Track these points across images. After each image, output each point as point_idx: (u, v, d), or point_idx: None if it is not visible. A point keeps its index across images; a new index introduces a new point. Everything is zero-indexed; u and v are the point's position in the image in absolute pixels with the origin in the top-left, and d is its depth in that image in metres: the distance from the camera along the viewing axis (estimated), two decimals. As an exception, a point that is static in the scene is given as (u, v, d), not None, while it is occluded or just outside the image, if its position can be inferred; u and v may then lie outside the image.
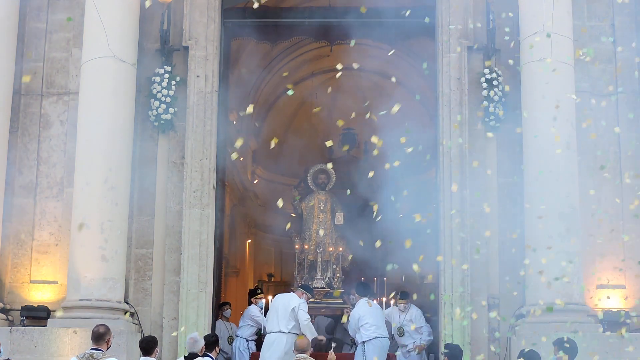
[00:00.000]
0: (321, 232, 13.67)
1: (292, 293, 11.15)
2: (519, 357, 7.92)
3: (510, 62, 9.40)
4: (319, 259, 13.54)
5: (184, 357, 8.60)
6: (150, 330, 10.56)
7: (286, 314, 10.68)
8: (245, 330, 12.37)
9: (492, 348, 10.24)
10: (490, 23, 11.08)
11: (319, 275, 13.63)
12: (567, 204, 9.91)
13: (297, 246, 13.99)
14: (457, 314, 10.30)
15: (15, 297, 10.95)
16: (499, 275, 10.72)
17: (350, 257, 13.92)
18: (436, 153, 11.31)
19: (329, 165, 12.71)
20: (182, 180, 11.05)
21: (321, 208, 14.08)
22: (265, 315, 11.96)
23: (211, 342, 8.87)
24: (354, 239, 16.21)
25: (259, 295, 12.59)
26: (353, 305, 11.69)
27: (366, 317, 11.16)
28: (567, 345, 7.52)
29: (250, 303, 12.69)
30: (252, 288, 13.25)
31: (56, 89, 11.45)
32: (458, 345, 9.30)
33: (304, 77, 19.43)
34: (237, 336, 12.36)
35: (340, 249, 13.73)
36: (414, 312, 12.05)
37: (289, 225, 13.48)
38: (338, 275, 13.51)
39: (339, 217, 14.05)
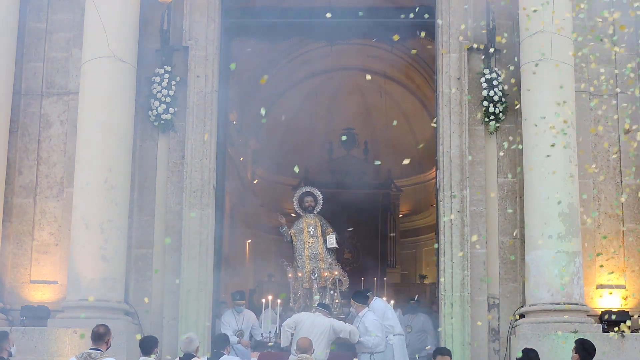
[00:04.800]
0: (321, 265, 13.05)
1: (317, 313, 10.71)
2: (518, 356, 7.91)
3: (510, 62, 9.40)
4: (315, 286, 12.78)
5: (179, 358, 8.58)
6: (150, 330, 10.55)
7: (322, 339, 10.23)
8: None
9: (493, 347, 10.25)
10: (490, 23, 11.09)
11: (316, 304, 12.98)
12: (567, 204, 9.91)
13: (290, 275, 13.14)
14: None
15: (15, 297, 10.95)
16: (499, 275, 10.73)
17: (346, 280, 13.20)
18: (436, 153, 11.31)
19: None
20: (182, 180, 11.05)
21: (311, 232, 13.19)
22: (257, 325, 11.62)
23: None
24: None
25: (240, 302, 11.79)
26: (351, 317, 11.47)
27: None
28: (587, 350, 7.50)
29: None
30: (233, 292, 12.15)
31: (56, 89, 11.45)
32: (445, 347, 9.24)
33: (304, 77, 19.45)
34: None
35: (336, 273, 12.95)
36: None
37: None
38: (337, 300, 12.78)
39: (331, 240, 13.10)
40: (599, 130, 10.99)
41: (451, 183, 10.82)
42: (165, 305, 10.80)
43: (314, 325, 10.30)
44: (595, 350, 7.53)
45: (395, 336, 11.32)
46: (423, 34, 9.54)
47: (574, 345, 7.67)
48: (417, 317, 13.60)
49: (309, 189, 13.66)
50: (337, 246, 13.28)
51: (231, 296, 12.02)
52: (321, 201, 13.38)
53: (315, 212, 13.38)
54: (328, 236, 13.13)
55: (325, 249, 13.07)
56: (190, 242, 10.84)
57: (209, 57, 11.31)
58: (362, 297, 11.26)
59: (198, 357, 8.41)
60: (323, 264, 12.96)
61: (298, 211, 13.51)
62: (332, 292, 12.68)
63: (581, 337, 7.76)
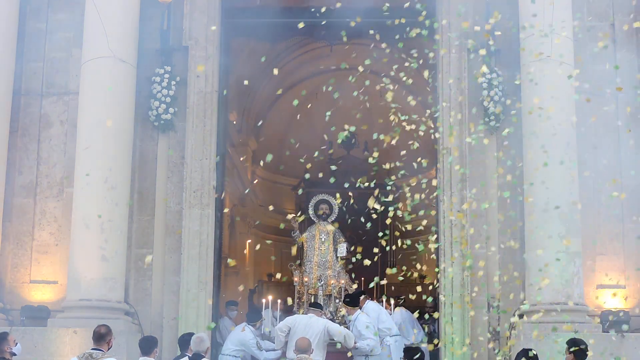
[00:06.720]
0: (329, 272, 12.97)
1: (311, 315, 10.50)
2: (517, 357, 7.91)
3: (510, 62, 9.40)
4: (321, 292, 12.74)
5: (188, 357, 8.56)
6: (150, 330, 10.56)
7: (318, 340, 9.98)
8: (232, 350, 10.88)
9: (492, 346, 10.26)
10: (491, 23, 11.06)
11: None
12: (567, 204, 9.90)
13: (296, 279, 13.05)
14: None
15: (15, 297, 10.96)
16: (499, 275, 10.72)
17: (353, 290, 13.07)
18: (436, 153, 11.31)
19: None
20: (182, 180, 11.06)
21: (322, 240, 13.23)
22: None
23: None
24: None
25: (259, 322, 11.32)
26: (348, 321, 11.41)
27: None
28: (581, 347, 7.50)
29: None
30: (252, 312, 11.67)
31: (56, 89, 11.46)
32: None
33: (304, 77, 19.43)
34: (222, 354, 10.92)
35: (342, 282, 12.89)
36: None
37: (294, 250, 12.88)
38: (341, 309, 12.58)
39: (342, 249, 13.11)
40: (599, 130, 10.99)
41: (451, 183, 10.82)
42: (165, 305, 10.81)
43: (309, 326, 10.19)
44: (587, 348, 7.54)
45: (392, 337, 11.30)
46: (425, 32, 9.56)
47: (566, 345, 7.70)
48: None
49: (325, 196, 13.57)
50: (346, 255, 13.24)
51: (248, 318, 11.38)
52: (336, 210, 13.32)
53: (329, 220, 13.31)
54: (339, 245, 13.10)
55: (334, 257, 13.04)
56: (190, 242, 10.84)
57: (209, 57, 11.32)
58: (352, 300, 11.18)
59: (207, 358, 8.38)
60: (331, 271, 12.93)
61: (312, 218, 13.42)
62: (337, 300, 12.64)
63: (573, 337, 7.78)
